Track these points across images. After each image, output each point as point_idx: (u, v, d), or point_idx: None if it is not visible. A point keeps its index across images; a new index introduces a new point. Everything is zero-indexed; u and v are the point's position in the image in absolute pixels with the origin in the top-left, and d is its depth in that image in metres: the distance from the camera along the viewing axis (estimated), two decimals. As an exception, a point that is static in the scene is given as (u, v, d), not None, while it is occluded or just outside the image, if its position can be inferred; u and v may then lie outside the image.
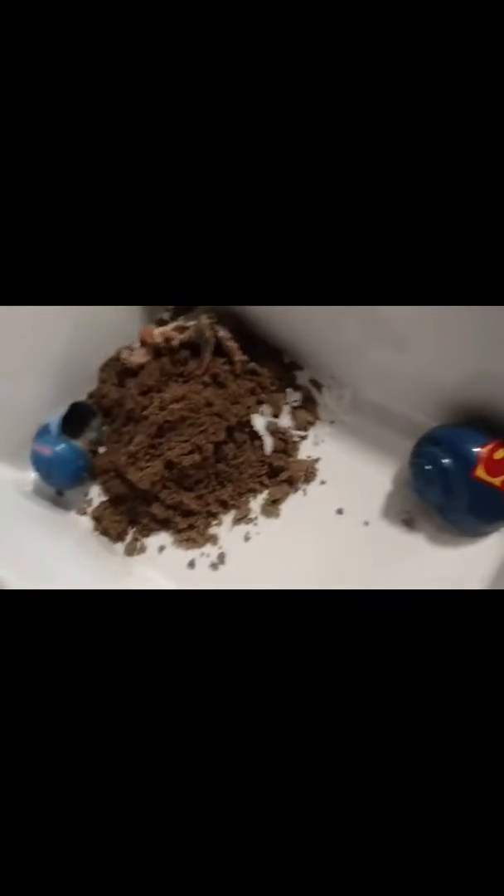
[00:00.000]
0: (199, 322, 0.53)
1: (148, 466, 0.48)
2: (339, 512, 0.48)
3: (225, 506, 0.50)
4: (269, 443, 0.51)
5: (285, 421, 0.52)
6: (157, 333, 0.54)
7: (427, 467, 0.42)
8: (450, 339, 0.42)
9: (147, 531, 0.50)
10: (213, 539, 0.49)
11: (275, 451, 0.51)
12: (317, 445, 0.52)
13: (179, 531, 0.49)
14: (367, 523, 0.46)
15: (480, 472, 0.40)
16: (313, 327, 0.51)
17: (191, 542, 0.48)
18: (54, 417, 0.52)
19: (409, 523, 0.46)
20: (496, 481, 0.41)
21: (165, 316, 0.60)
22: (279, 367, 0.54)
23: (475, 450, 0.41)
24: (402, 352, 0.46)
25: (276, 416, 0.52)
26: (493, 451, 0.41)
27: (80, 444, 0.54)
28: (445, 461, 0.41)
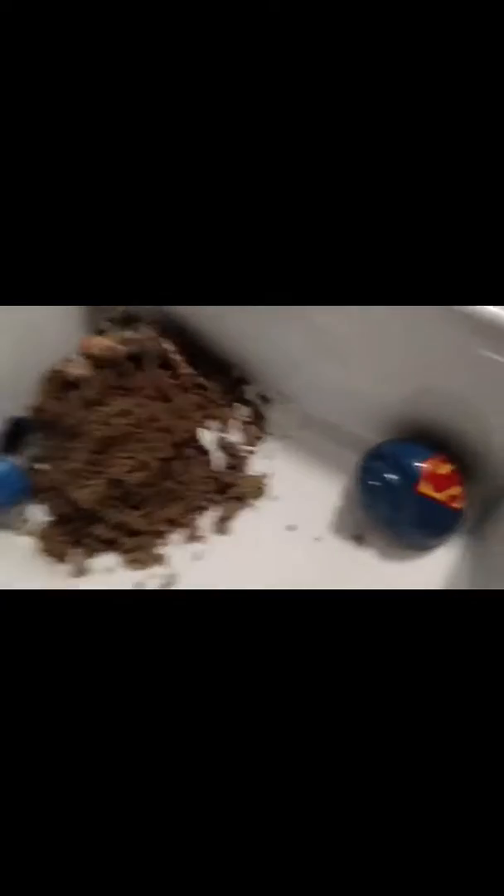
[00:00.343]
0: (143, 334, 0.51)
1: (90, 484, 0.46)
2: (291, 528, 0.47)
3: (173, 524, 0.48)
4: (218, 458, 0.50)
5: (234, 436, 0.51)
6: (100, 344, 0.52)
7: (372, 482, 0.42)
8: (392, 355, 0.42)
9: (92, 552, 0.48)
10: (162, 559, 0.47)
11: (224, 466, 0.50)
12: (267, 460, 0.51)
13: (126, 552, 0.47)
14: (318, 539, 0.47)
15: (424, 487, 0.41)
16: (260, 341, 0.51)
17: (138, 563, 0.47)
18: (-10, 434, 0.49)
19: (358, 538, 0.46)
20: (441, 496, 0.41)
21: (108, 326, 0.58)
22: (227, 382, 0.53)
23: (419, 465, 0.42)
24: (346, 368, 0.46)
25: (224, 431, 0.51)
26: (436, 465, 0.42)
27: (19, 461, 0.51)
28: (390, 476, 0.42)
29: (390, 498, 0.42)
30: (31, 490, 0.51)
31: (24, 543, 0.50)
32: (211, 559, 0.47)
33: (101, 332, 0.57)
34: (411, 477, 0.41)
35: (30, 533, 0.50)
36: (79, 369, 0.53)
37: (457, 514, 0.43)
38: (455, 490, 0.42)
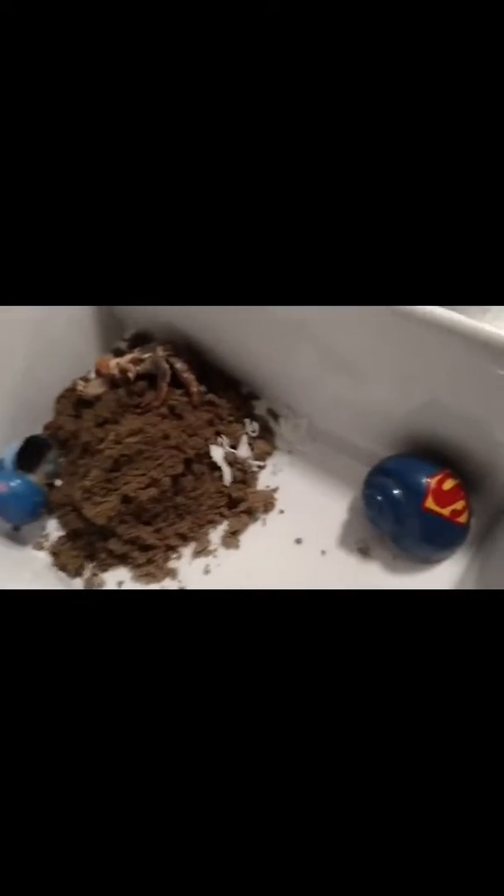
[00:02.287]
0: (155, 353, 0.53)
1: (104, 501, 0.47)
2: (298, 541, 0.48)
3: (184, 539, 0.49)
4: (228, 474, 0.51)
5: (244, 451, 0.53)
6: (114, 364, 0.54)
7: (378, 498, 0.43)
8: (399, 372, 0.43)
9: (105, 566, 0.50)
10: (173, 573, 0.49)
11: (234, 481, 0.51)
12: (275, 475, 0.52)
13: (138, 566, 0.49)
14: (324, 552, 0.47)
15: (430, 504, 0.42)
16: (268, 359, 0.52)
17: (150, 577, 0.48)
18: (9, 452, 0.51)
19: (364, 552, 0.47)
20: (445, 511, 0.42)
21: (122, 346, 0.60)
22: (237, 398, 0.54)
23: (424, 480, 0.42)
24: (354, 383, 0.47)
25: (234, 446, 0.53)
26: (441, 481, 0.42)
27: (35, 478, 0.53)
28: (396, 492, 0.43)
29: (395, 513, 0.43)
30: (47, 506, 0.53)
31: (40, 558, 0.52)
32: (220, 572, 0.48)
33: (115, 352, 0.59)
34: (417, 493, 0.42)
35: (44, 548, 0.52)
36: (94, 388, 0.55)
37: (462, 529, 0.43)
38: (460, 505, 0.43)
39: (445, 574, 0.44)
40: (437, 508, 0.42)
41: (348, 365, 0.46)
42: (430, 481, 0.42)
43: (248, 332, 0.51)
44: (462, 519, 0.43)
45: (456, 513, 0.42)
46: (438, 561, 0.45)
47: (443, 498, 0.42)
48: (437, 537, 0.43)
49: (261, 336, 0.50)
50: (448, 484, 0.42)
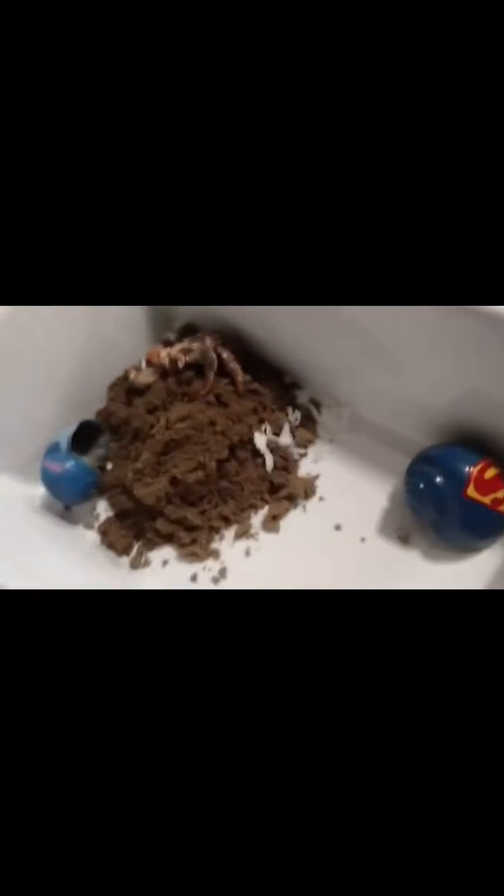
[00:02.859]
0: (204, 343, 0.55)
1: (153, 483, 0.50)
2: (338, 528, 0.49)
3: (227, 521, 0.51)
4: (270, 460, 0.52)
5: (286, 439, 0.54)
6: (164, 354, 0.57)
7: (420, 486, 0.44)
8: (440, 361, 0.44)
9: (151, 545, 0.52)
10: (216, 553, 0.50)
11: (275, 468, 0.52)
12: (316, 463, 0.53)
13: (183, 545, 0.51)
14: (363, 539, 0.48)
15: (471, 491, 0.42)
16: (312, 349, 0.53)
17: (194, 557, 0.50)
18: (64, 435, 0.54)
19: (404, 539, 0.47)
20: (486, 499, 0.42)
21: (171, 337, 0.63)
22: (280, 387, 0.56)
23: (466, 469, 0.42)
24: (396, 373, 0.48)
25: (277, 434, 0.54)
26: (483, 470, 0.42)
27: (88, 460, 0.56)
28: (438, 480, 0.43)
29: (437, 501, 0.43)
30: (98, 487, 0.56)
31: (90, 537, 0.55)
32: (260, 555, 0.50)
33: (165, 343, 0.62)
34: (459, 481, 0.42)
35: (94, 527, 0.55)
36: (145, 377, 0.58)
37: (502, 517, 0.43)
38: (501, 493, 0.42)
39: (485, 563, 0.44)
40: (478, 497, 0.42)
41: (391, 356, 0.47)
42: (472, 469, 0.42)
43: (293, 325, 0.52)
44: (503, 507, 0.43)
45: (497, 501, 0.42)
46: (478, 550, 0.45)
47: (484, 486, 0.42)
48: (477, 525, 0.43)
49: (306, 328, 0.51)
50: (490, 472, 0.43)
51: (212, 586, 0.49)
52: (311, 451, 0.54)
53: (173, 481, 0.49)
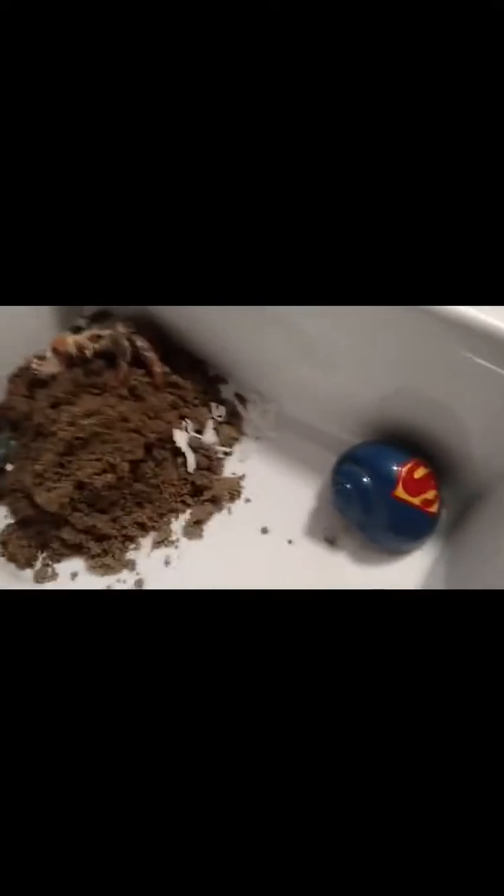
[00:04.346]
0: (115, 331, 0.50)
1: (56, 487, 0.44)
2: (264, 531, 0.46)
3: (143, 528, 0.47)
4: (192, 460, 0.48)
5: (209, 437, 0.50)
6: (71, 342, 0.51)
7: (347, 486, 0.41)
8: (370, 357, 0.42)
9: (58, 556, 0.46)
10: (131, 564, 0.46)
11: (198, 468, 0.48)
12: (242, 462, 0.50)
13: (93, 557, 0.46)
14: (290, 542, 0.45)
15: (399, 492, 0.40)
16: (237, 340, 0.49)
17: (106, 569, 0.45)
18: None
19: (331, 541, 0.45)
20: (416, 500, 0.41)
21: (81, 323, 0.57)
22: (203, 381, 0.52)
23: (394, 469, 0.41)
24: (324, 369, 0.45)
25: (199, 431, 0.50)
26: (412, 470, 0.41)
27: (-18, 462, 0.49)
28: (365, 480, 0.41)
29: (365, 502, 0.41)
30: (-3, 491, 0.49)
31: (-12, 547, 0.48)
32: (182, 563, 0.46)
33: (73, 329, 0.56)
34: (387, 482, 0.41)
35: (-6, 536, 0.49)
36: (49, 367, 0.51)
37: (432, 518, 0.42)
38: (431, 494, 0.41)
39: (414, 566, 0.43)
40: (407, 497, 0.40)
41: (321, 350, 0.44)
42: (401, 469, 0.41)
43: (217, 314, 0.48)
44: (433, 509, 0.41)
45: (427, 502, 0.41)
46: (408, 552, 0.43)
47: (413, 487, 0.41)
48: (406, 527, 0.42)
49: (230, 319, 0.47)
50: (419, 472, 0.41)
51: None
52: (237, 449, 0.51)
53: (79, 485, 0.44)
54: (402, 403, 0.43)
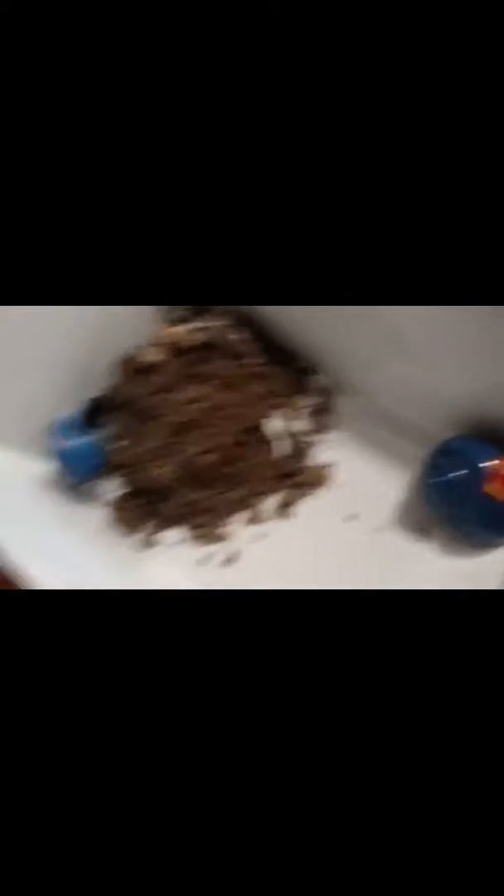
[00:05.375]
0: (216, 324, 0.53)
1: (166, 463, 0.49)
2: (352, 518, 0.49)
3: (238, 506, 0.51)
4: (283, 446, 0.52)
5: (300, 425, 0.53)
6: (175, 333, 0.55)
7: (438, 479, 0.43)
8: (464, 351, 0.43)
9: (162, 526, 0.51)
10: (226, 538, 0.50)
11: (289, 454, 0.52)
12: (331, 450, 0.52)
13: (193, 528, 0.50)
14: (378, 530, 0.47)
15: (490, 488, 0.41)
16: (329, 334, 0.52)
17: (204, 539, 0.50)
18: (73, 411, 0.53)
19: (420, 532, 0.47)
20: (506, 496, 0.42)
21: (183, 316, 0.61)
22: (295, 372, 0.55)
23: (486, 465, 0.42)
24: (416, 362, 0.46)
25: (291, 419, 0.53)
26: (502, 466, 0.42)
27: (98, 437, 0.55)
28: (456, 474, 0.42)
29: (455, 495, 0.43)
30: (107, 466, 0.55)
31: (99, 516, 0.54)
32: (271, 541, 0.49)
33: (176, 321, 0.60)
34: (478, 476, 0.42)
35: (104, 506, 0.54)
36: (154, 356, 0.56)
37: (521, 515, 0.43)
38: (521, 491, 0.42)
39: (501, 559, 0.44)
40: (496, 493, 0.42)
41: (413, 345, 0.45)
42: (492, 465, 0.42)
43: (311, 309, 0.50)
44: (522, 505, 0.42)
45: (516, 498, 0.42)
46: (496, 545, 0.44)
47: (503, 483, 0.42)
48: (495, 522, 0.43)
49: (324, 313, 0.50)
50: (510, 469, 0.42)
51: (221, 570, 0.48)
52: (326, 438, 0.53)
53: (186, 463, 0.48)
54: (496, 400, 0.43)
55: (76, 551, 0.49)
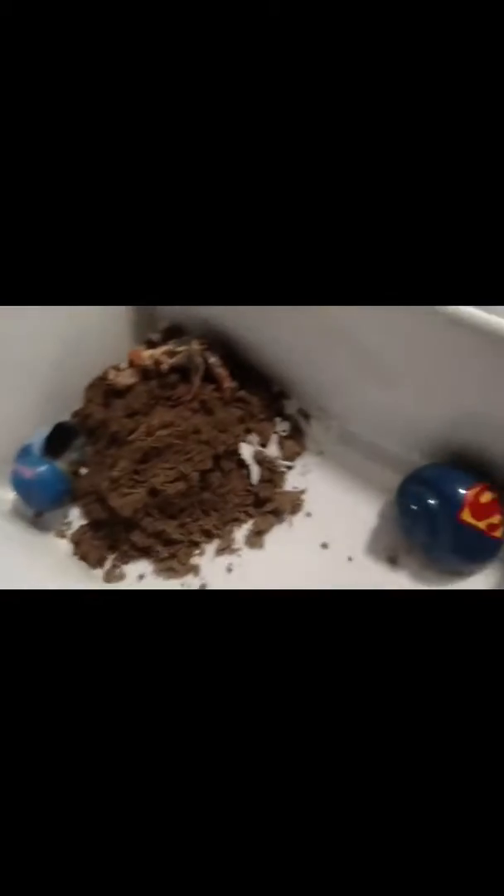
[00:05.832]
0: (190, 347, 0.52)
1: (131, 493, 0.47)
2: (324, 546, 0.47)
3: (208, 535, 0.49)
4: (255, 472, 0.50)
5: (273, 450, 0.52)
6: (147, 355, 0.54)
7: (413, 507, 0.42)
8: (439, 377, 0.42)
9: (127, 558, 0.49)
10: (195, 569, 0.48)
11: (261, 480, 0.50)
12: (304, 476, 0.51)
13: (160, 560, 0.48)
14: (350, 559, 0.46)
15: (466, 516, 0.41)
16: (303, 359, 0.51)
17: (171, 572, 0.47)
18: (37, 437, 0.51)
19: (392, 560, 0.45)
20: (481, 524, 0.41)
21: (155, 338, 0.60)
22: (268, 396, 0.54)
23: (462, 492, 0.41)
24: (391, 388, 0.46)
25: (263, 445, 0.52)
26: (479, 494, 0.41)
27: (62, 465, 0.52)
28: (431, 502, 0.41)
29: (430, 523, 0.42)
30: (72, 494, 0.52)
31: (62, 546, 0.52)
32: (243, 572, 0.47)
33: (148, 344, 0.59)
34: (453, 504, 0.41)
35: (66, 536, 0.52)
36: (125, 378, 0.55)
37: (497, 543, 0.42)
38: (496, 519, 0.41)
39: (475, 587, 0.43)
40: (473, 521, 0.41)
41: (388, 370, 0.45)
42: (468, 493, 0.41)
43: (283, 331, 0.50)
44: (498, 533, 0.41)
45: (492, 527, 0.41)
46: (469, 574, 0.43)
47: (480, 511, 0.41)
48: (470, 550, 0.42)
49: (296, 335, 0.49)
50: (486, 497, 0.41)
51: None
52: (299, 463, 0.52)
53: (152, 492, 0.47)
54: (470, 427, 0.43)
55: (37, 585, 0.46)
